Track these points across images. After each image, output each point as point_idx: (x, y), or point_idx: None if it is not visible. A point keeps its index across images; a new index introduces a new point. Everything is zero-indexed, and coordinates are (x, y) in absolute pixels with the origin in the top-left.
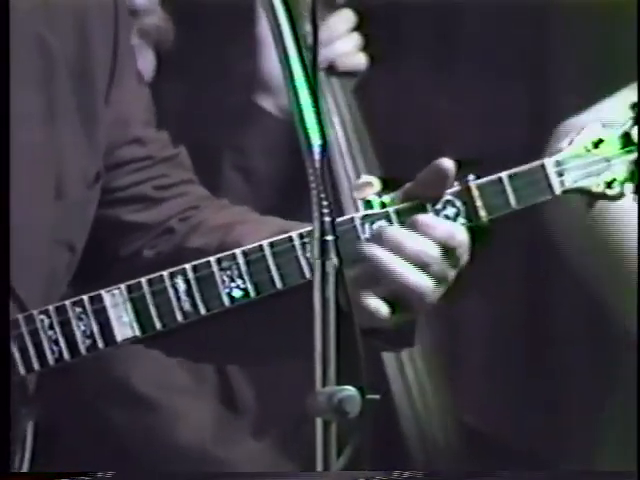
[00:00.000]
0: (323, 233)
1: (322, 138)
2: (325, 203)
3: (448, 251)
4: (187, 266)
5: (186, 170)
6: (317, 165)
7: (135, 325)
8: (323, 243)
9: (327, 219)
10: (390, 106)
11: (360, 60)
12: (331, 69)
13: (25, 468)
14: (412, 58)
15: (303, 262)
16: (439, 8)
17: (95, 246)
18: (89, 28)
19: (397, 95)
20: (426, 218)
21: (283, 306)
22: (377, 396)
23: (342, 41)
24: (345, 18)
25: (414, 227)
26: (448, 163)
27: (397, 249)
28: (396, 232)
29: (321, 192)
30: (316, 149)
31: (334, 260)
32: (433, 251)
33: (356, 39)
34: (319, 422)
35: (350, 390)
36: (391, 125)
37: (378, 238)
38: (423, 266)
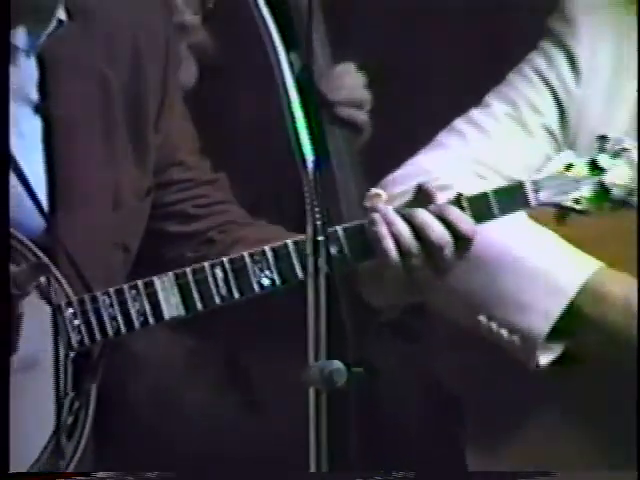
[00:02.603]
0: (316, 234)
1: (316, 153)
2: (317, 209)
3: (462, 242)
4: (225, 259)
5: (225, 192)
6: (310, 177)
7: (180, 306)
8: (315, 243)
9: (319, 223)
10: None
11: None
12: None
13: (87, 429)
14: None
15: None
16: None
17: (146, 249)
18: (143, 62)
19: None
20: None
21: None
22: (361, 369)
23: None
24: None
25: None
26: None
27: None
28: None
29: (314, 200)
30: (309, 164)
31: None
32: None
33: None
34: (312, 424)
35: (338, 364)
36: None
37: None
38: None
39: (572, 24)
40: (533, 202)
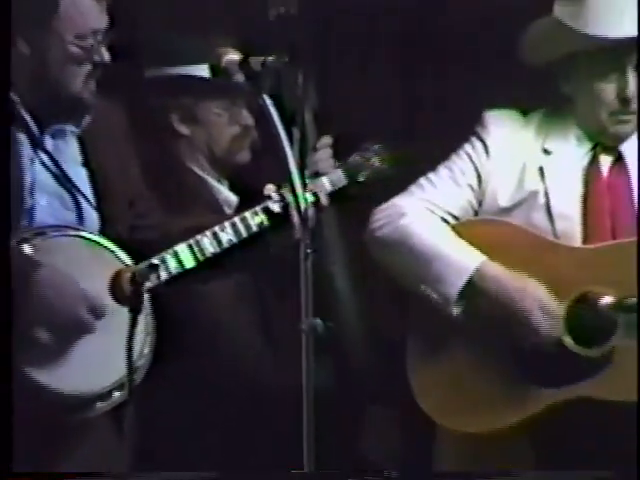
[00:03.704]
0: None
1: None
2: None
3: None
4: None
5: None
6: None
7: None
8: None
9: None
10: None
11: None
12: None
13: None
14: None
15: None
16: None
17: None
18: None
19: None
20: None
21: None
22: (331, 324)
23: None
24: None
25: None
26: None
27: None
28: None
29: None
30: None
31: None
32: None
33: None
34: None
35: (318, 320)
36: None
37: None
38: None
39: (487, 130)
40: None
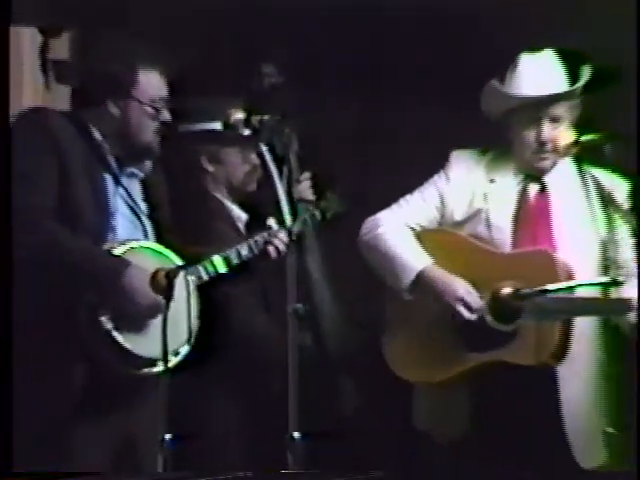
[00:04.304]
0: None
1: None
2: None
3: None
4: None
5: None
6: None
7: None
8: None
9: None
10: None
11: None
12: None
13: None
14: None
15: None
16: None
17: None
18: None
19: None
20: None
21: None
22: (309, 307)
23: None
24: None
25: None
26: None
27: None
28: None
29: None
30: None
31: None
32: None
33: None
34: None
35: (300, 305)
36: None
37: None
38: None
39: (450, 165)
40: None
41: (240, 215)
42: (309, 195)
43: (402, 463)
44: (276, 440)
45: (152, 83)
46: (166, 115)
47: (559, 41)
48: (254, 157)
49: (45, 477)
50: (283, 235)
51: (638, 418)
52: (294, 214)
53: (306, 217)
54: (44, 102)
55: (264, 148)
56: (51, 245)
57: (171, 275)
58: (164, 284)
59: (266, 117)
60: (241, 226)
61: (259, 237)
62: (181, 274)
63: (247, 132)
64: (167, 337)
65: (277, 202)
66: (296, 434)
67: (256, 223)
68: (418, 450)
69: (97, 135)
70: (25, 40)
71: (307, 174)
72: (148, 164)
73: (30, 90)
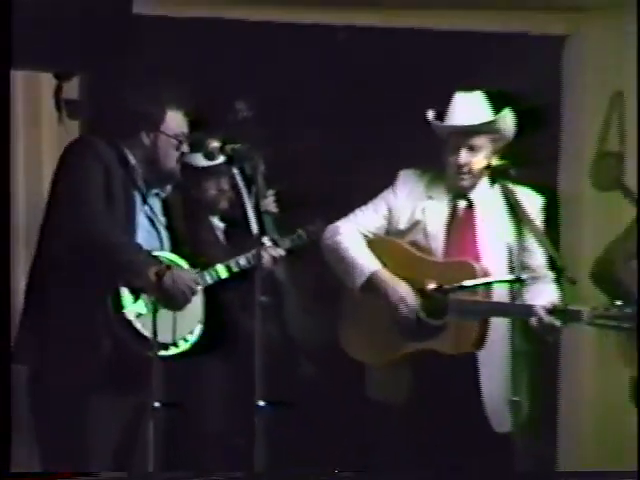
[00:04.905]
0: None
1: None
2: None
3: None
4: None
5: None
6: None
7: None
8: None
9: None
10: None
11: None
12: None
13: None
14: None
15: None
16: None
17: None
18: None
19: None
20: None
21: None
22: (269, 298)
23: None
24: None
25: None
26: None
27: None
28: None
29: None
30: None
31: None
32: None
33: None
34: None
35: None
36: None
37: None
38: None
39: (398, 182)
40: None
41: (218, 224)
42: (273, 208)
43: (359, 428)
44: (245, 407)
45: (176, 121)
46: (185, 147)
47: (490, 83)
48: (224, 182)
49: (45, 477)
50: (273, 249)
51: (638, 418)
52: (261, 224)
53: (294, 237)
54: (58, 134)
55: (236, 171)
56: (102, 243)
57: (160, 273)
58: (154, 280)
59: (238, 145)
60: (219, 233)
61: (254, 251)
62: (168, 273)
63: (222, 158)
64: (157, 327)
65: (245, 214)
66: (261, 402)
67: (232, 231)
68: (372, 415)
69: (132, 160)
70: (44, 84)
71: (272, 191)
72: (169, 187)
73: (47, 126)
